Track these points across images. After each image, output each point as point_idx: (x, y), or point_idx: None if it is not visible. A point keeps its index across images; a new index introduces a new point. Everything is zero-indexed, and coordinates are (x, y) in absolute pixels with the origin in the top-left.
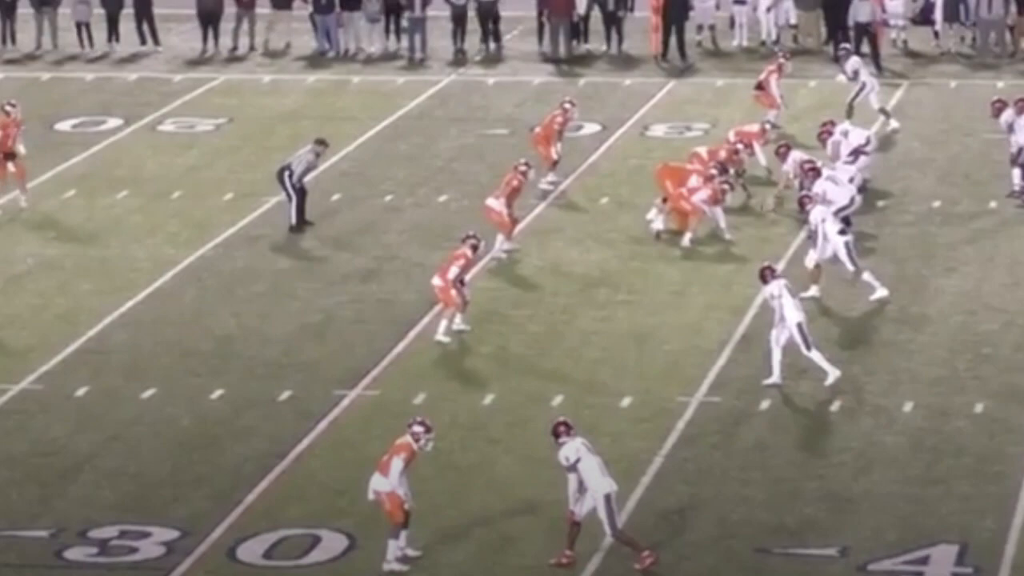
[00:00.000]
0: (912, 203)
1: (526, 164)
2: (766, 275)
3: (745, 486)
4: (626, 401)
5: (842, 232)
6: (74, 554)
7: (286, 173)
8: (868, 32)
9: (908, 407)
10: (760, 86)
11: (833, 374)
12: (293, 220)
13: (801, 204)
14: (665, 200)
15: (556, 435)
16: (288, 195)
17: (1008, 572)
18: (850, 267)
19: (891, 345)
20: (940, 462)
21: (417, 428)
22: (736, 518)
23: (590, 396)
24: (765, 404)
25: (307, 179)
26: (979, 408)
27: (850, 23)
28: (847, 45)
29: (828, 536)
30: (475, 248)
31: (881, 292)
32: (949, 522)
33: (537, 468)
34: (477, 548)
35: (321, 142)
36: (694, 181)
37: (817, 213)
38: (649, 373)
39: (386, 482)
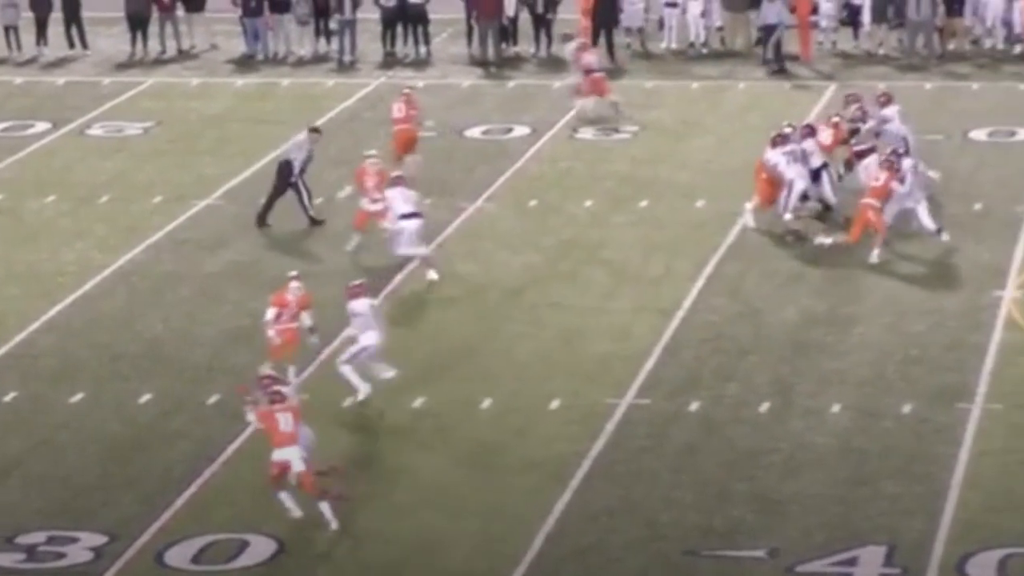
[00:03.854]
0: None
1: (374, 155)
2: (357, 292)
3: (674, 488)
4: (555, 404)
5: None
6: (1, 560)
7: (293, 170)
8: (773, 34)
9: (837, 408)
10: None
11: (364, 389)
12: (311, 214)
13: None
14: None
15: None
16: (296, 191)
17: (936, 572)
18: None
19: (820, 347)
20: (868, 463)
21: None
22: (665, 520)
23: (519, 399)
24: (694, 406)
25: (235, 182)
26: (907, 409)
27: (759, 24)
28: (570, 32)
29: (757, 538)
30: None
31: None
32: (877, 523)
33: (467, 471)
34: (404, 551)
35: (315, 130)
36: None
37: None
38: (578, 376)
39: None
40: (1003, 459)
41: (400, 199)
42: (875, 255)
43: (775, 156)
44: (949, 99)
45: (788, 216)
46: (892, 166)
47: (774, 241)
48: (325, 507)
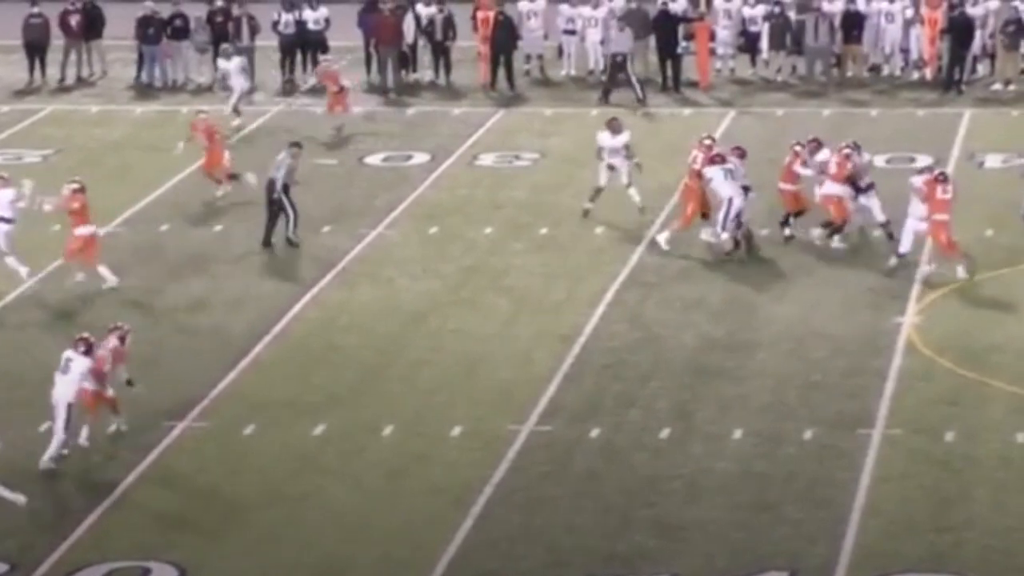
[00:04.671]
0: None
1: (76, 181)
2: (82, 345)
3: (576, 514)
4: (457, 430)
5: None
6: None
7: (276, 186)
8: (616, 63)
9: (738, 434)
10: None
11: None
12: (289, 235)
13: None
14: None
15: None
16: (272, 210)
17: None
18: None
19: (721, 372)
20: (770, 488)
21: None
22: (567, 546)
23: (421, 425)
24: (595, 432)
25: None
26: (808, 435)
27: (605, 52)
28: (228, 45)
29: (659, 564)
30: (122, 339)
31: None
32: (780, 548)
33: (369, 498)
34: None
35: (296, 144)
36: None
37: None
38: (480, 402)
39: None
40: (903, 484)
41: (4, 201)
42: (961, 270)
43: (713, 171)
44: (847, 125)
45: (725, 235)
46: (947, 178)
47: (674, 267)
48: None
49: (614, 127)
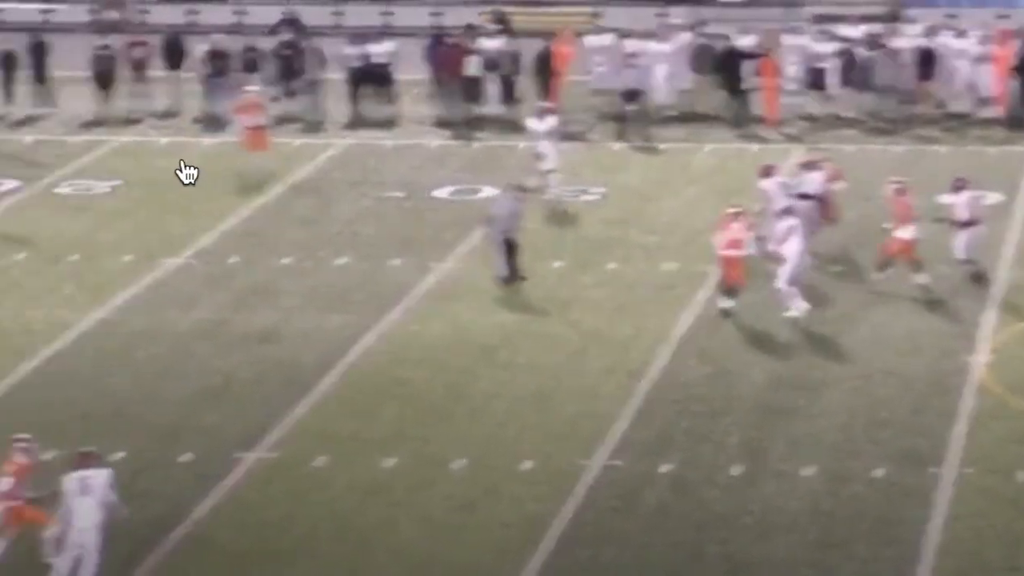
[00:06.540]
0: (811, 267)
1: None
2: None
3: (646, 550)
4: (527, 464)
5: None
6: None
7: (499, 225)
8: (634, 98)
9: (808, 472)
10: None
11: None
12: (505, 272)
13: None
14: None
15: None
16: (508, 246)
17: None
18: None
19: (791, 410)
20: (839, 526)
21: None
22: None
23: (491, 459)
24: (665, 468)
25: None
26: (878, 472)
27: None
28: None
29: None
30: (27, 451)
31: None
32: None
33: (438, 531)
34: None
35: (518, 187)
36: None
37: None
38: (550, 436)
39: None
40: (975, 524)
41: None
42: None
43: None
44: (917, 163)
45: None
46: None
47: (741, 303)
48: None
49: (540, 112)
